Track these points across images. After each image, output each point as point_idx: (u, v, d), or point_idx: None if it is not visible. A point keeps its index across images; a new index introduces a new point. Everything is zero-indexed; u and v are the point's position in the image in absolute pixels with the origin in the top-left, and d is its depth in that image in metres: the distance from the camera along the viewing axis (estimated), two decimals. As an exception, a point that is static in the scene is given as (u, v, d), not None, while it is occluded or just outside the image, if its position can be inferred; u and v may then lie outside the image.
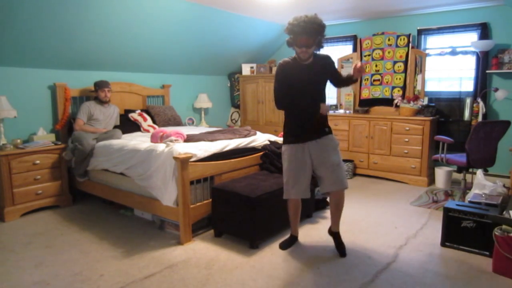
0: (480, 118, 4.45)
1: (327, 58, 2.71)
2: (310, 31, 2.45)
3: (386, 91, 5.28)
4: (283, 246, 2.89)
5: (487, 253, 2.70)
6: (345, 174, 2.75)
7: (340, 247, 2.80)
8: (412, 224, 3.39)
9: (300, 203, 2.89)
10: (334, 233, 2.88)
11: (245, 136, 3.79)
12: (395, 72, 5.17)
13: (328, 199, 3.79)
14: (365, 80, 5.46)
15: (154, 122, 4.81)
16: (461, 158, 3.74)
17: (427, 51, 5.00)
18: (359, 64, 2.56)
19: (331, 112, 5.38)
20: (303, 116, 2.66)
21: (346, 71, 5.35)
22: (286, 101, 2.66)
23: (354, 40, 5.56)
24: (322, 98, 2.72)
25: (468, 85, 4.76)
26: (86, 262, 2.70)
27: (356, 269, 2.55)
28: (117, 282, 2.41)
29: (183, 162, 2.89)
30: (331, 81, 2.79)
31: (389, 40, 5.15)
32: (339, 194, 2.74)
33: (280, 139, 3.91)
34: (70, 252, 2.88)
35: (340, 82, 2.78)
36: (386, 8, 4.80)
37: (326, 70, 2.69)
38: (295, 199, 2.80)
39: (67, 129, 4.22)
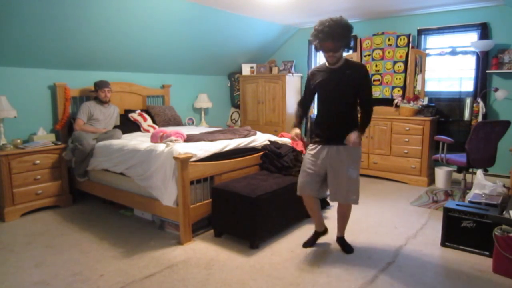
0: (480, 118, 4.45)
1: (359, 68, 2.59)
2: (335, 36, 2.38)
3: (386, 91, 5.28)
4: (306, 245, 2.90)
5: (487, 253, 2.70)
6: (357, 189, 2.65)
7: (345, 249, 2.83)
8: (412, 224, 3.39)
9: (313, 200, 2.80)
10: (339, 238, 2.89)
11: (245, 136, 3.79)
12: (395, 72, 5.17)
13: (328, 199, 3.79)
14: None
15: (154, 122, 4.81)
16: (461, 158, 3.74)
17: (427, 51, 5.00)
18: (352, 139, 2.48)
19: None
20: (328, 120, 2.66)
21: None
22: (305, 108, 2.82)
23: (354, 40, 5.55)
24: (349, 106, 2.61)
25: (468, 85, 4.76)
26: (86, 262, 2.70)
27: (356, 269, 2.55)
28: (117, 282, 2.41)
29: (183, 162, 2.89)
30: (357, 96, 2.61)
31: (389, 40, 5.15)
32: (346, 205, 2.75)
33: (280, 139, 3.93)
34: (70, 252, 2.88)
35: (363, 103, 2.61)
36: (386, 8, 4.80)
37: (354, 80, 2.54)
38: (306, 195, 2.78)
39: (67, 129, 4.22)
